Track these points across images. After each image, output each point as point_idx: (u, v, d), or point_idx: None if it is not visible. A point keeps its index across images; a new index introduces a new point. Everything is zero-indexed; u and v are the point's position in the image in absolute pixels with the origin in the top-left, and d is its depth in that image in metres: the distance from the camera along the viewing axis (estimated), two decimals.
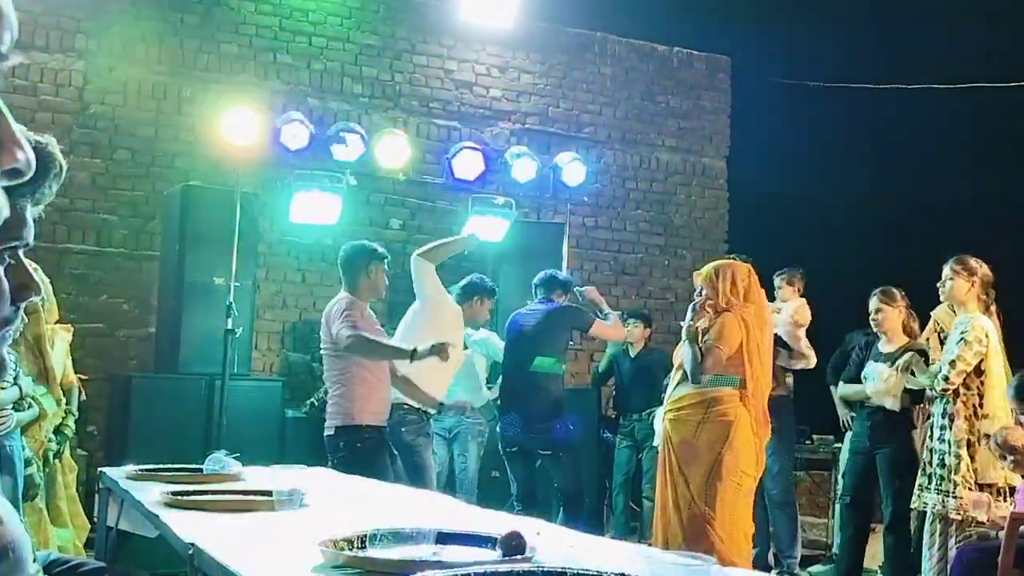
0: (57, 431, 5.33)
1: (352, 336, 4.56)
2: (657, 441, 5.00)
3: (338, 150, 7.20)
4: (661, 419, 4.75)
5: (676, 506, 4.43)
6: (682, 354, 4.65)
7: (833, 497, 6.86)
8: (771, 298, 5.78)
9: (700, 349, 4.51)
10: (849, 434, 6.00)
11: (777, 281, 6.29)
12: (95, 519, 4.44)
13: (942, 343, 5.09)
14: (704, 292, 4.65)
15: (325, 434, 4.77)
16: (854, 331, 6.39)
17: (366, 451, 4.63)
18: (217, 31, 7.76)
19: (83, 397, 5.60)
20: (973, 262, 4.93)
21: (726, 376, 4.48)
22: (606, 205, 9.09)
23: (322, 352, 4.91)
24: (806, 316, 6.12)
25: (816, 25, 9.85)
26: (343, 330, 4.59)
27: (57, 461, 5.22)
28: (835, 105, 10.07)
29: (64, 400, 5.40)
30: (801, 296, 6.26)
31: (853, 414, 5.92)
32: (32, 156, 1.05)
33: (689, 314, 4.68)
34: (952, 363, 4.78)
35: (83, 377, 5.69)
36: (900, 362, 5.25)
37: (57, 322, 5.55)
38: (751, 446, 4.39)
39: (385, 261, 4.92)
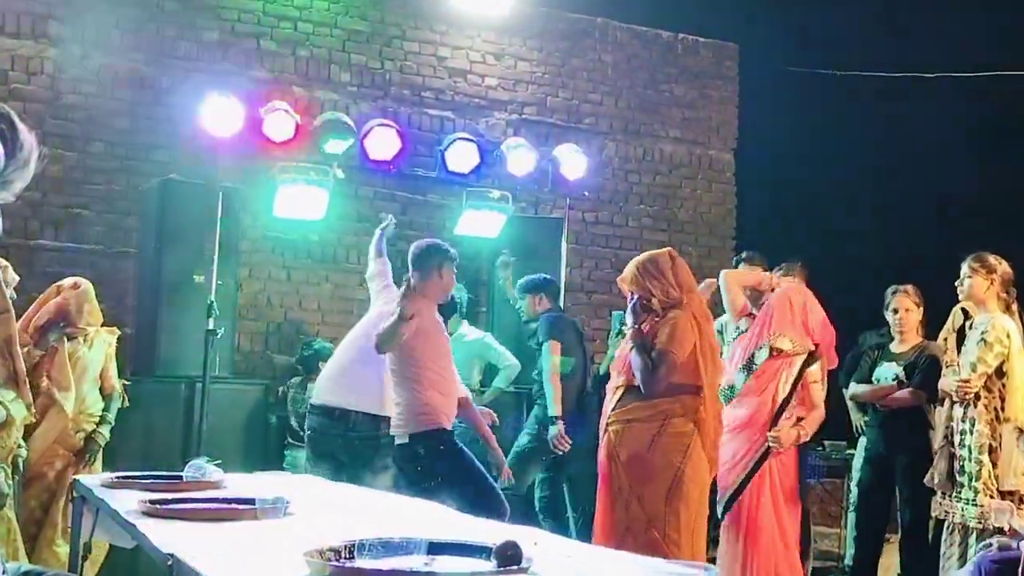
0: (88, 439, 5.35)
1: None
2: None
3: (325, 141, 7.19)
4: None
5: (629, 530, 4.20)
6: (623, 360, 4.43)
7: (846, 506, 6.86)
8: None
9: (651, 357, 4.25)
10: (863, 440, 5.99)
11: (776, 275, 6.27)
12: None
13: (960, 336, 5.05)
14: (637, 296, 4.38)
15: (396, 442, 4.66)
16: (868, 331, 6.40)
17: (449, 451, 4.62)
18: (197, 17, 7.75)
19: (125, 404, 5.60)
20: (992, 259, 4.93)
21: (680, 384, 4.26)
22: (607, 199, 9.08)
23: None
24: None
25: (828, 10, 9.88)
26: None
27: (86, 470, 5.24)
28: (848, 94, 10.08)
29: (103, 406, 5.43)
30: None
31: (867, 418, 5.93)
32: None
33: (630, 317, 4.40)
34: (972, 365, 4.79)
35: (126, 383, 5.68)
36: None
37: (102, 325, 5.59)
38: (705, 458, 4.25)
39: (456, 262, 4.93)
